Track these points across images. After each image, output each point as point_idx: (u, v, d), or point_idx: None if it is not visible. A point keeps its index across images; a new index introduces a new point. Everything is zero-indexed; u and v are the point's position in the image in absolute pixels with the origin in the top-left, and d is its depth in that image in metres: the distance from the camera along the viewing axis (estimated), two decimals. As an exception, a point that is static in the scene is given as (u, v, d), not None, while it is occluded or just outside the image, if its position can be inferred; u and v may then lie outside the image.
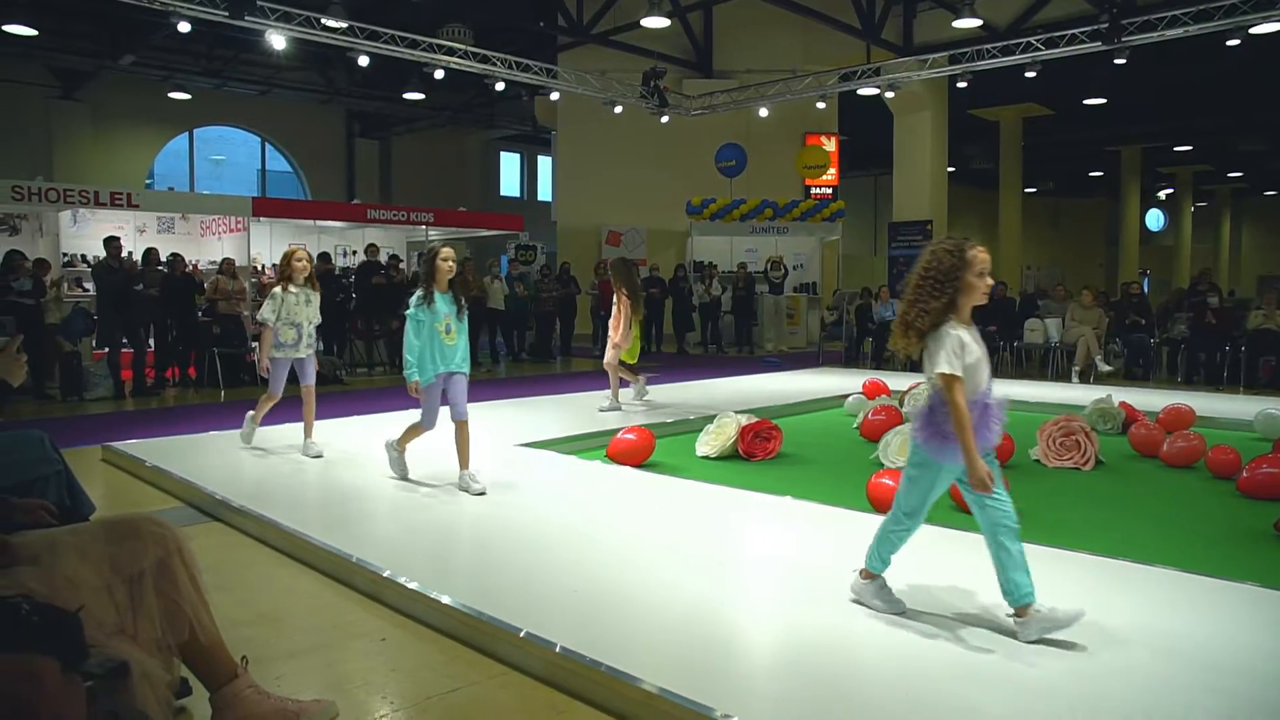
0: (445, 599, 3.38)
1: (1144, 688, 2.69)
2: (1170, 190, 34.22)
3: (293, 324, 6.24)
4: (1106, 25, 13.04)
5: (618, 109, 17.59)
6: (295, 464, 6.00)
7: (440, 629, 3.34)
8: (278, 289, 6.27)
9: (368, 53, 13.88)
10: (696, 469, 6.12)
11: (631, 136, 19.70)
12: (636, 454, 6.13)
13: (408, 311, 5.21)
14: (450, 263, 5.24)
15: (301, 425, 6.43)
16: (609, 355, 8.59)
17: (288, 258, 6.31)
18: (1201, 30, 12.64)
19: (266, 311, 6.20)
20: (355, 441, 6.73)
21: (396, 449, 5.50)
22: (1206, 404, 8.71)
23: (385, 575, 3.65)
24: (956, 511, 4.99)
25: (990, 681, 2.73)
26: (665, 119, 18.03)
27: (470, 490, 5.11)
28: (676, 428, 7.66)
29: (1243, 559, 4.27)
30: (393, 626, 3.41)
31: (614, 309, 8.59)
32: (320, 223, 15.81)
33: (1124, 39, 13.04)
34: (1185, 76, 18.85)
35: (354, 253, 15.61)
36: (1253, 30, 12.56)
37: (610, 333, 8.66)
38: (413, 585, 3.53)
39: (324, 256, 13.35)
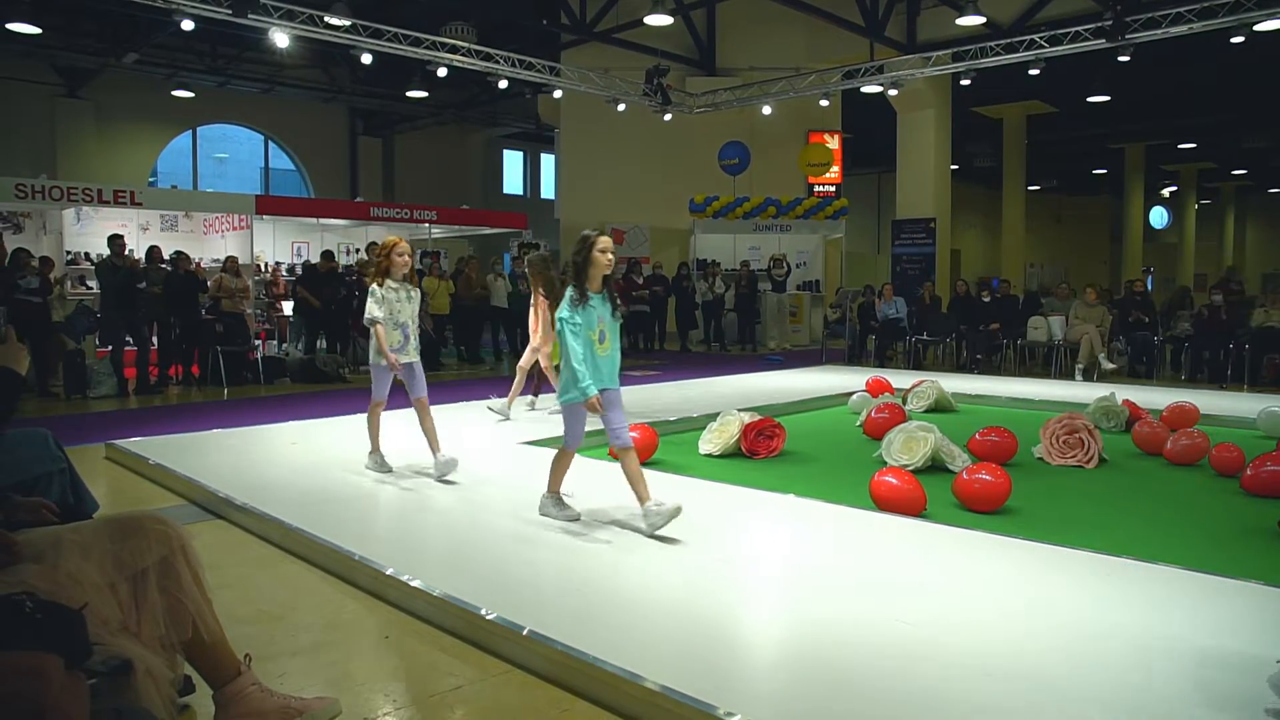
0: (448, 597, 3.38)
1: (1147, 685, 2.69)
2: (1174, 188, 34.16)
3: (397, 324, 5.47)
4: (1110, 22, 13.02)
5: (621, 107, 17.58)
6: (297, 462, 6.01)
7: (443, 627, 3.34)
8: (375, 285, 5.42)
9: (371, 51, 13.88)
10: (699, 467, 6.12)
11: (635, 134, 19.69)
12: (639, 452, 6.11)
13: (561, 315, 4.33)
14: (610, 255, 4.36)
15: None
16: (525, 358, 8.02)
17: (387, 249, 5.43)
18: (1206, 27, 12.60)
19: (374, 310, 5.32)
20: (359, 440, 6.74)
21: (553, 500, 4.57)
22: (1210, 402, 8.69)
23: (388, 573, 3.66)
24: (960, 510, 4.99)
25: (994, 679, 2.73)
26: (668, 117, 18.02)
27: (650, 526, 4.19)
28: (679, 425, 7.66)
29: (1246, 557, 4.26)
30: (395, 624, 3.42)
31: (531, 311, 7.92)
32: (323, 221, 15.86)
33: (1127, 36, 13.01)
34: (1189, 74, 18.81)
35: (357, 251, 15.64)
36: (1257, 27, 12.52)
37: (531, 336, 7.98)
38: (415, 583, 3.53)
39: (327, 254, 13.36)
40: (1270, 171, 31.61)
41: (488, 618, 3.19)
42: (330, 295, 12.73)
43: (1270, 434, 7.25)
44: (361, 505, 4.90)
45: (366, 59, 14.31)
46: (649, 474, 4.79)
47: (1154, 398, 8.56)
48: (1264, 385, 11.50)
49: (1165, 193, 35.31)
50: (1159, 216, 36.50)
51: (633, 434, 6.20)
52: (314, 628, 3.39)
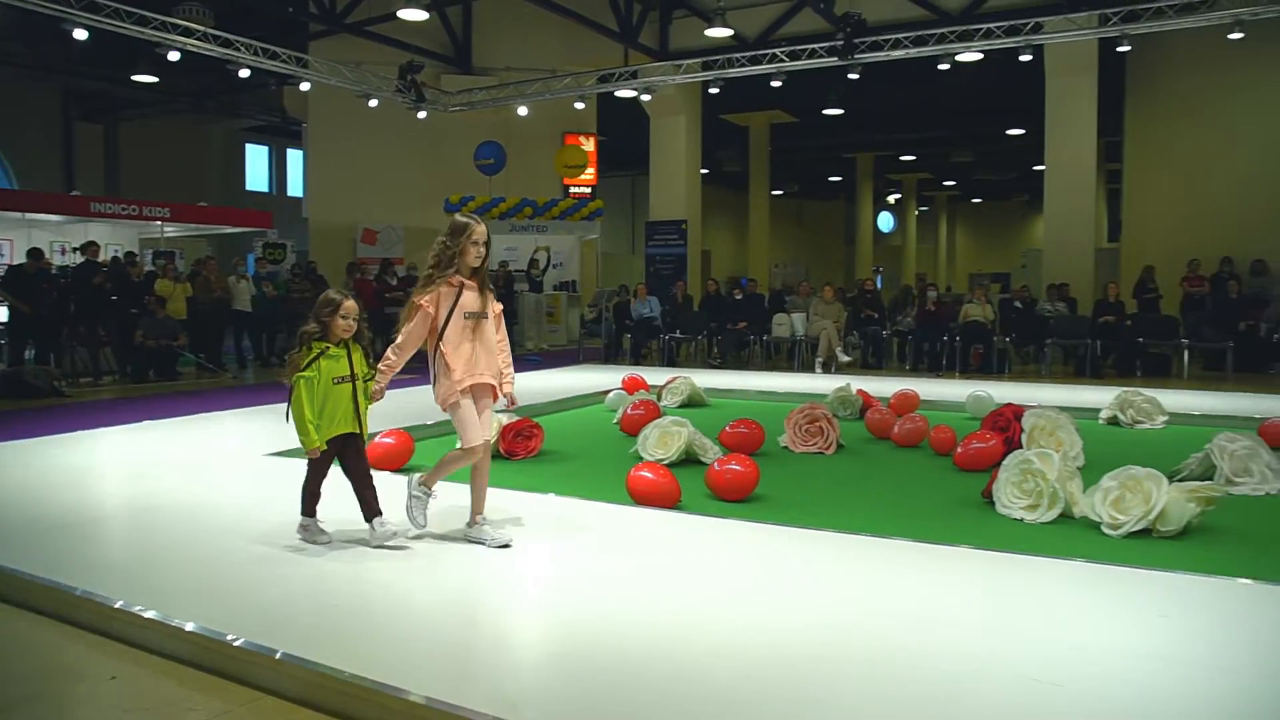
0: (189, 626, 3.13)
1: (881, 647, 2.93)
2: (898, 195, 37.49)
3: None
4: (841, 43, 14.08)
5: (373, 103, 16.98)
6: (2, 491, 5.35)
7: (183, 659, 3.09)
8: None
9: (85, 26, 12.50)
10: (457, 471, 6.02)
11: (388, 131, 19.08)
12: (394, 458, 5.95)
13: None
14: None
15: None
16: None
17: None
18: (920, 53, 13.99)
19: None
20: (76, 459, 6.10)
21: None
22: (928, 389, 9.62)
23: (117, 606, 3.33)
24: (713, 500, 5.22)
25: (753, 661, 2.87)
26: (423, 115, 17.62)
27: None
28: (437, 429, 7.50)
29: (960, 526, 4.75)
30: (124, 663, 3.12)
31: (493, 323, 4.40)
32: (30, 216, 14.21)
33: (856, 56, 14.14)
34: (908, 93, 20.68)
35: (75, 250, 14.16)
36: (958, 57, 14.05)
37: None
38: (150, 614, 3.24)
39: (35, 253, 11.96)
40: (975, 184, 35.34)
41: (235, 644, 2.99)
42: (41, 299, 11.41)
43: (976, 415, 8.08)
44: (81, 534, 4.43)
45: (81, 35, 12.89)
46: (405, 479, 4.67)
47: (883, 387, 9.36)
48: (971, 372, 12.89)
49: (891, 199, 38.64)
50: (885, 221, 39.85)
51: (386, 439, 6.05)
52: (26, 678, 3.03)
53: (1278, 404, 8.82)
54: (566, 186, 21.16)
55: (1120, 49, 13.63)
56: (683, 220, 19.54)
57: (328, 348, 4.02)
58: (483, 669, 2.87)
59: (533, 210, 18.85)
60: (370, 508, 4.11)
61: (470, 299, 4.12)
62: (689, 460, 6.12)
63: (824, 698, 2.63)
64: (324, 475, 4.18)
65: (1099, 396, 8.84)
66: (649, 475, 5.06)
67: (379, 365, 4.18)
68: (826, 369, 13.21)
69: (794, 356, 14.26)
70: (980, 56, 14.10)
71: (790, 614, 3.28)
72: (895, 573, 3.75)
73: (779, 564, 3.89)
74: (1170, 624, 3.17)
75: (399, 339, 4.12)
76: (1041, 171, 16.43)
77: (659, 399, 8.93)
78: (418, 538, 4.20)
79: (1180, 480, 4.90)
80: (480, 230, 4.07)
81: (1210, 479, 5.36)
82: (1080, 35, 13.56)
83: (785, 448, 6.84)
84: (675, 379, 9.55)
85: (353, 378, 4.10)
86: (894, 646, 2.98)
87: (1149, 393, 8.38)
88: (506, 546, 4.05)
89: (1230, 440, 5.62)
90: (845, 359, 13.48)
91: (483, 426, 4.19)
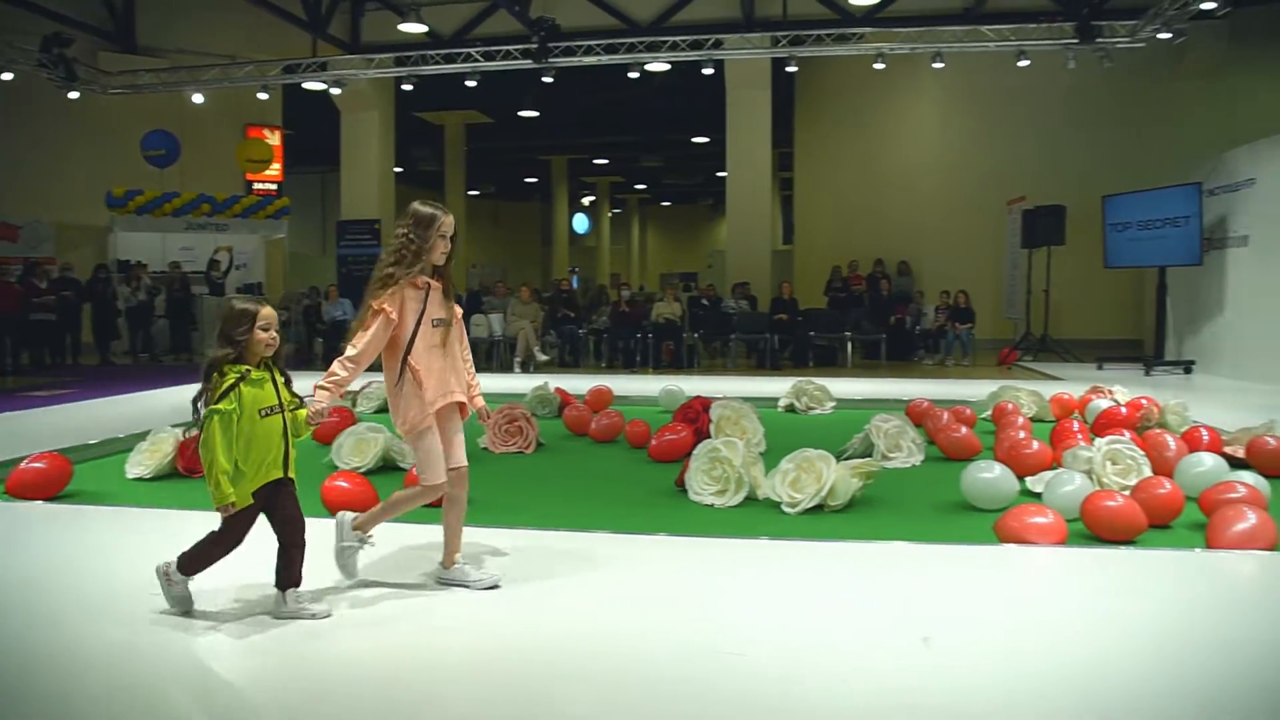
0: None
1: (591, 638, 2.99)
2: (592, 197, 38.68)
3: None
4: (536, 46, 14.28)
5: (7, 75, 14.86)
6: None
7: None
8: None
9: None
10: (128, 494, 5.43)
11: (32, 112, 16.74)
12: (47, 485, 5.22)
13: None
14: None
15: None
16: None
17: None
18: (611, 60, 14.53)
19: None
20: None
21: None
22: (623, 384, 10.01)
23: None
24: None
25: (472, 661, 2.82)
26: (75, 95, 15.69)
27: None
28: (103, 449, 6.73)
29: (657, 514, 4.96)
30: None
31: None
32: None
33: (550, 60, 14.40)
34: (601, 99, 21.38)
35: None
36: (647, 67, 14.74)
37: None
38: None
39: None
40: (664, 187, 37.26)
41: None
42: None
43: (668, 408, 8.49)
44: None
45: None
46: (61, 508, 4.15)
47: (580, 384, 9.59)
48: (663, 368, 13.57)
49: (585, 201, 39.75)
50: (581, 222, 40.87)
51: (36, 464, 5.32)
52: None
53: (920, 387, 10.09)
54: (250, 182, 19.79)
55: (789, 69, 14.94)
56: (376, 220, 18.87)
57: (248, 371, 3.19)
58: (210, 705, 2.59)
59: (211, 207, 17.44)
60: (291, 573, 3.34)
61: (437, 303, 3.56)
62: (387, 466, 5.93)
63: (554, 704, 2.64)
64: (242, 538, 3.29)
65: (777, 386, 9.64)
66: (345, 484, 4.86)
67: (324, 382, 3.46)
68: (525, 368, 13.35)
69: (492, 357, 14.27)
70: (667, 67, 14.89)
71: (502, 615, 3.27)
72: (598, 564, 3.85)
73: (485, 566, 3.85)
74: (840, 588, 3.50)
75: (354, 350, 3.46)
76: (724, 177, 17.62)
77: (354, 405, 8.58)
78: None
79: (846, 459, 5.44)
80: (449, 221, 3.54)
81: (870, 456, 6.01)
82: (754, 54, 14.73)
83: (485, 449, 6.80)
84: (370, 384, 9.19)
85: (281, 407, 3.32)
86: (601, 636, 3.05)
87: (820, 381, 9.28)
88: (495, 587, 3.55)
89: (884, 420, 6.34)
90: (543, 358, 13.71)
91: (458, 449, 3.65)
